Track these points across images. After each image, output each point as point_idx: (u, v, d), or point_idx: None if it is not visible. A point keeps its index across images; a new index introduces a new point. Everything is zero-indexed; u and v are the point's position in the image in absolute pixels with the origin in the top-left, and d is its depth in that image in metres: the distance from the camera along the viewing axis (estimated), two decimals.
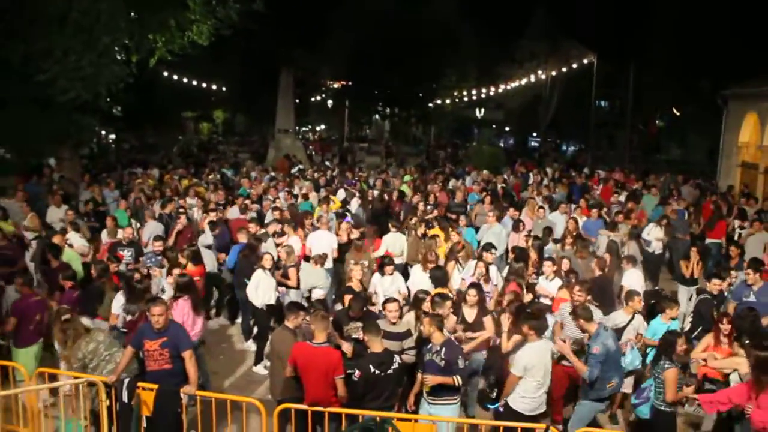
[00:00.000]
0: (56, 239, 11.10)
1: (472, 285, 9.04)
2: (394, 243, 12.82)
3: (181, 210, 13.93)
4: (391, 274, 10.32)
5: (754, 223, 14.53)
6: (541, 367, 7.10)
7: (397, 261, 12.25)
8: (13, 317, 8.43)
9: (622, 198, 17.85)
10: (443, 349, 7.01)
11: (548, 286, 10.28)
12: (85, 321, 8.16)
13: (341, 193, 18.26)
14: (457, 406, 7.21)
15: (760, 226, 14.22)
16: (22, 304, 8.57)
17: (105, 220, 13.36)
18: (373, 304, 9.32)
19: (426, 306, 8.35)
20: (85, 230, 13.41)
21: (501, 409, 7.36)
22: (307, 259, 11.75)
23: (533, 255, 11.70)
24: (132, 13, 15.40)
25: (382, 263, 10.49)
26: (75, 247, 11.62)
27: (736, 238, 14.54)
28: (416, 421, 6.91)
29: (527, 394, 7.10)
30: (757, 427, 6.19)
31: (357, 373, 6.81)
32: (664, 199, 17.72)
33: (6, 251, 11.01)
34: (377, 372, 6.78)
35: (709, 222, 15.79)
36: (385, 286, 10.14)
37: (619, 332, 8.40)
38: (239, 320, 11.79)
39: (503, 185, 20.63)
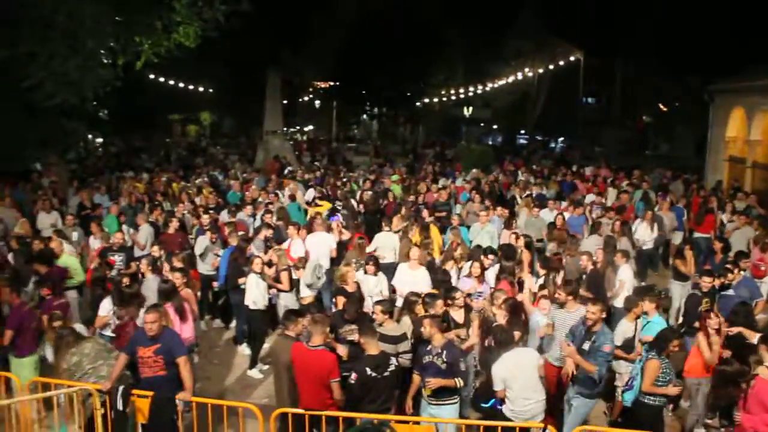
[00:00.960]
0: (53, 245, 10.98)
1: (452, 288, 9.13)
2: (386, 243, 12.76)
3: (175, 213, 13.85)
4: (375, 274, 10.29)
5: (739, 217, 14.60)
6: (518, 378, 6.94)
7: (389, 260, 12.28)
8: (10, 329, 8.20)
9: (604, 199, 17.84)
10: (444, 351, 6.99)
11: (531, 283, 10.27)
12: (78, 327, 8.10)
13: (310, 193, 18.23)
14: (457, 405, 7.20)
15: (746, 220, 14.30)
16: (18, 313, 8.38)
17: (92, 225, 13.26)
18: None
19: (419, 308, 8.33)
20: (78, 234, 13.34)
21: (499, 406, 7.33)
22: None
23: (526, 254, 11.65)
24: (118, 17, 15.28)
25: (366, 262, 10.45)
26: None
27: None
28: (414, 422, 6.89)
29: (513, 406, 6.99)
30: (747, 431, 6.21)
31: (353, 376, 6.76)
32: (645, 195, 17.74)
33: None
34: (374, 374, 6.73)
35: (698, 216, 15.87)
36: (370, 287, 10.10)
37: (630, 342, 8.33)
38: (233, 324, 11.72)
39: (494, 182, 20.62)
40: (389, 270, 12.02)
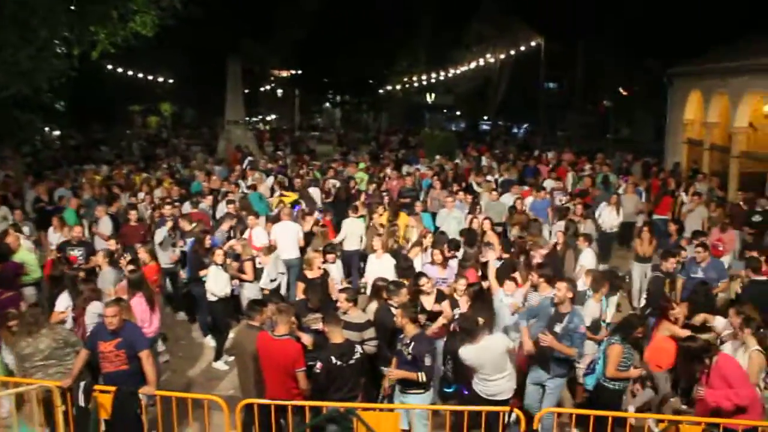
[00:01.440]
0: (9, 239, 10.71)
1: (420, 274, 9.11)
2: (353, 229, 12.84)
3: (135, 205, 13.66)
4: (333, 261, 10.31)
5: (693, 198, 14.85)
6: (487, 364, 7.02)
7: (356, 247, 12.47)
8: None
9: (563, 184, 18.01)
10: (412, 343, 6.98)
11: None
12: None
13: (270, 180, 18.16)
14: (426, 396, 7.15)
15: (699, 200, 14.55)
16: None
17: (50, 219, 12.99)
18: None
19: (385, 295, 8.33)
20: (29, 229, 13.07)
21: (466, 392, 7.37)
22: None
23: (493, 236, 11.70)
24: (71, 5, 14.91)
25: (325, 250, 10.42)
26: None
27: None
28: (381, 410, 6.89)
29: (482, 387, 7.10)
30: (710, 406, 6.33)
31: (318, 365, 6.72)
32: (606, 178, 17.98)
33: None
34: (339, 363, 6.69)
35: (656, 198, 16.15)
36: (333, 273, 10.09)
37: (596, 323, 8.39)
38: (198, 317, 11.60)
39: (451, 169, 20.65)
40: (356, 256, 12.36)
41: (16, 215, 13.52)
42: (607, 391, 7.22)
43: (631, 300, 12.27)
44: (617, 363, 7.08)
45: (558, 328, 7.38)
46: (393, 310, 7.80)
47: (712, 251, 11.04)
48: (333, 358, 6.70)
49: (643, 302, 10.03)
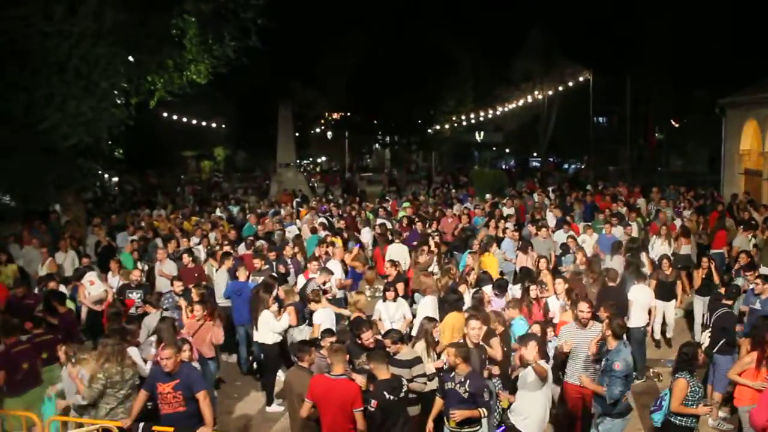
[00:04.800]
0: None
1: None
2: (398, 254, 13.35)
3: (191, 250, 13.91)
4: (394, 300, 10.25)
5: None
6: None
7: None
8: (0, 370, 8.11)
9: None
10: (468, 381, 6.90)
11: (555, 305, 10.14)
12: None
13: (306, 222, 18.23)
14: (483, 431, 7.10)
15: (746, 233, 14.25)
16: (6, 354, 8.30)
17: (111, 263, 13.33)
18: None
19: (435, 332, 8.28)
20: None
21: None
22: None
23: (549, 277, 11.51)
24: (130, 57, 15.53)
25: (385, 288, 10.42)
26: (93, 293, 11.82)
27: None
28: None
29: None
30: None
31: (373, 402, 6.71)
32: (658, 212, 17.64)
33: (28, 300, 11.04)
34: (391, 398, 6.71)
35: (711, 233, 15.79)
36: (390, 312, 10.07)
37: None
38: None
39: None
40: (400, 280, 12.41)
41: (84, 262, 13.90)
42: (673, 426, 7.01)
43: (692, 336, 11.93)
44: (682, 398, 6.90)
45: (599, 365, 7.37)
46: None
47: None
48: (386, 393, 6.70)
49: (706, 339, 9.66)
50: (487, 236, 13.98)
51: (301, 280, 11.96)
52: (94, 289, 12.01)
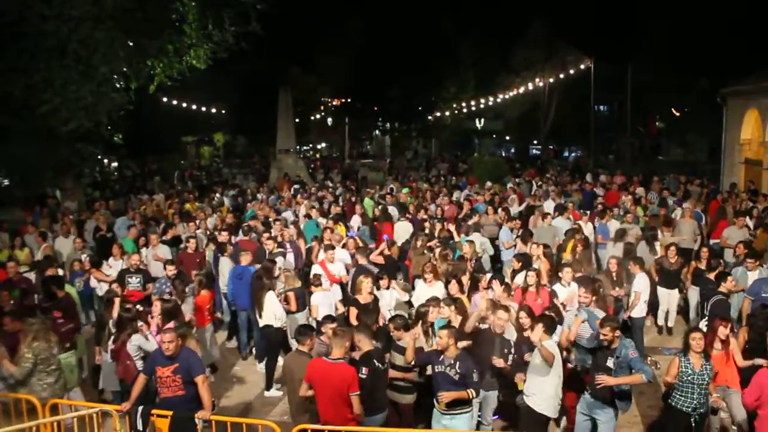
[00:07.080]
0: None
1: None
2: (405, 230, 14.58)
3: (194, 235, 13.90)
4: (388, 288, 10.32)
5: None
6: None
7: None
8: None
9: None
10: (458, 363, 6.97)
11: (563, 291, 10.15)
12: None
13: (303, 208, 18.31)
14: (470, 415, 7.19)
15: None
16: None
17: (110, 248, 13.33)
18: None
19: (431, 317, 8.30)
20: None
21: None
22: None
23: (546, 264, 11.53)
24: (130, 41, 15.48)
25: (378, 276, 10.43)
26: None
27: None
28: None
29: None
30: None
31: (364, 370, 6.94)
32: (663, 201, 17.66)
33: (22, 284, 11.05)
34: (380, 366, 7.10)
35: (711, 223, 15.78)
36: (386, 300, 10.11)
37: None
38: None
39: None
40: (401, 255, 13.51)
41: (77, 244, 13.92)
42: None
43: (689, 324, 11.95)
44: (675, 371, 7.08)
45: (610, 363, 7.16)
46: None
47: None
48: (376, 361, 7.05)
49: (704, 326, 9.70)
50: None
51: (316, 269, 11.80)
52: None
